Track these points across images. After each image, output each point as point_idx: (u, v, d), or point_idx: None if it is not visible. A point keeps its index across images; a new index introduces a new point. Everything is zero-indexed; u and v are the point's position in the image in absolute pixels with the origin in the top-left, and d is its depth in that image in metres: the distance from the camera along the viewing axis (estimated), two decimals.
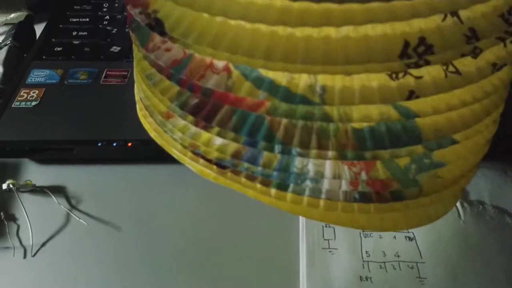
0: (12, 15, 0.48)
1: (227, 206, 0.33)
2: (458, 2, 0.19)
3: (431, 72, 0.20)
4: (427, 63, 0.19)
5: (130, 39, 0.42)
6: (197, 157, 0.26)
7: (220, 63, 0.22)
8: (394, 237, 0.30)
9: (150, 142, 0.34)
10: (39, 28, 0.47)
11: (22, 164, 0.35)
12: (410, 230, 0.30)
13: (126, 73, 0.39)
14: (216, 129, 0.23)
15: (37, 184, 0.34)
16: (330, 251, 0.29)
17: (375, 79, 0.20)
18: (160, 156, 0.34)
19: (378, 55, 0.19)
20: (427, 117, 0.22)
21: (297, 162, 0.23)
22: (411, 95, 0.20)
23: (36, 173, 0.35)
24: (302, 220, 0.31)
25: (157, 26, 0.21)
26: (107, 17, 0.46)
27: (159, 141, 0.28)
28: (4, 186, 0.33)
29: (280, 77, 0.21)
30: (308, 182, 0.24)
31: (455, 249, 0.29)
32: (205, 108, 0.23)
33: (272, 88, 0.21)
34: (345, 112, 0.21)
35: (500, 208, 0.31)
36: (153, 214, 0.32)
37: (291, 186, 0.24)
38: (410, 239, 0.30)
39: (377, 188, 0.24)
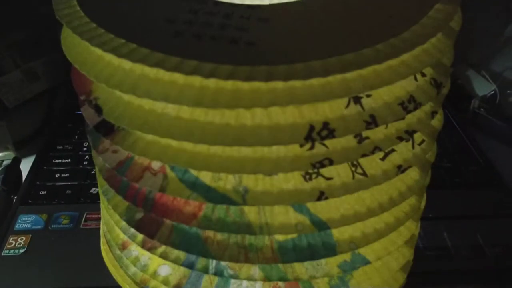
0: (0, 154, 0.52)
1: None
2: (354, 88, 0.19)
3: (341, 174, 0.22)
4: (331, 162, 0.20)
5: None
6: None
7: (157, 164, 0.22)
8: None
9: None
10: (25, 162, 0.50)
11: None
12: None
13: None
14: (160, 249, 0.24)
15: None
16: None
17: (292, 180, 0.21)
18: None
19: (286, 137, 0.19)
20: (341, 229, 0.22)
21: None
22: (321, 195, 0.21)
23: None
24: None
25: (97, 111, 0.22)
26: (87, 157, 0.50)
27: (115, 276, 0.29)
28: None
29: (210, 178, 0.22)
30: None
31: None
32: (148, 222, 0.24)
33: (201, 188, 0.22)
34: (266, 222, 0.22)
35: None
36: None
37: None
38: None
39: None
